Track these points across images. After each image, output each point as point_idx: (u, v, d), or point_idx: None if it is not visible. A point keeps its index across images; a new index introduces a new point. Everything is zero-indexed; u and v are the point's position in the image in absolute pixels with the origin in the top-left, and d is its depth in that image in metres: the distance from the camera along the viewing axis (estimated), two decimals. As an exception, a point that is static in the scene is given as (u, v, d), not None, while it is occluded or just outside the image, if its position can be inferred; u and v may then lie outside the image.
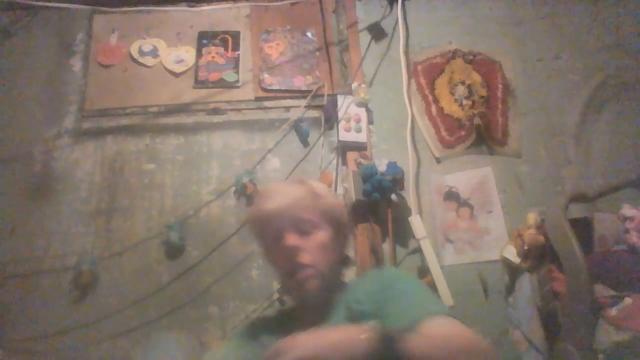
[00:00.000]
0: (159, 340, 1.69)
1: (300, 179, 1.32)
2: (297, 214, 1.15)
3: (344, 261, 1.25)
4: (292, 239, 1.13)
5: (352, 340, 0.91)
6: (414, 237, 1.76)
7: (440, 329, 0.96)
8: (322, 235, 1.16)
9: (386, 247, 1.76)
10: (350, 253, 1.59)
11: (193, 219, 1.85)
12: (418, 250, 1.75)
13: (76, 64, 2.10)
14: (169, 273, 1.79)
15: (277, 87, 2.04)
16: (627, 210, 1.55)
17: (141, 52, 2.10)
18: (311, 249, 1.14)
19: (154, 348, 1.66)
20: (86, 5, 2.11)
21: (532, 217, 1.68)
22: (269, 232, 1.17)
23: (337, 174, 1.89)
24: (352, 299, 1.12)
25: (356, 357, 0.89)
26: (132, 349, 1.69)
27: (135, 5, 2.15)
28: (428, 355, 0.90)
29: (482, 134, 1.93)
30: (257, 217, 1.21)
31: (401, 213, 1.81)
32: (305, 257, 1.12)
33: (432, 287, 1.66)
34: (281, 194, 1.18)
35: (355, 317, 1.06)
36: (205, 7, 2.17)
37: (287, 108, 2.02)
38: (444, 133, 1.98)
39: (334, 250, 1.18)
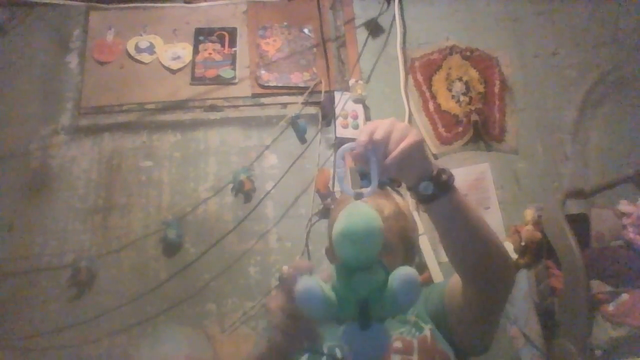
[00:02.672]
0: (165, 332, 1.69)
1: (386, 193, 1.34)
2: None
3: None
4: None
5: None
6: (411, 233, 1.75)
7: None
8: (396, 260, 1.20)
9: (384, 243, 1.76)
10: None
11: (190, 216, 1.85)
12: (416, 247, 1.75)
13: (72, 60, 2.08)
14: (167, 270, 1.79)
15: (274, 84, 2.03)
16: (624, 206, 1.55)
17: (138, 49, 2.09)
18: None
19: (160, 340, 1.66)
20: (82, 1, 2.10)
21: (529, 214, 1.68)
22: None
23: (334, 171, 1.89)
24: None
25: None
26: (130, 346, 1.69)
27: (131, 2, 2.14)
28: (460, 213, 0.93)
29: (479, 130, 1.93)
30: None
31: (399, 210, 1.80)
32: None
33: (430, 284, 1.66)
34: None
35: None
36: (202, 4, 2.16)
37: (284, 104, 2.02)
38: (441, 129, 1.97)
39: None
